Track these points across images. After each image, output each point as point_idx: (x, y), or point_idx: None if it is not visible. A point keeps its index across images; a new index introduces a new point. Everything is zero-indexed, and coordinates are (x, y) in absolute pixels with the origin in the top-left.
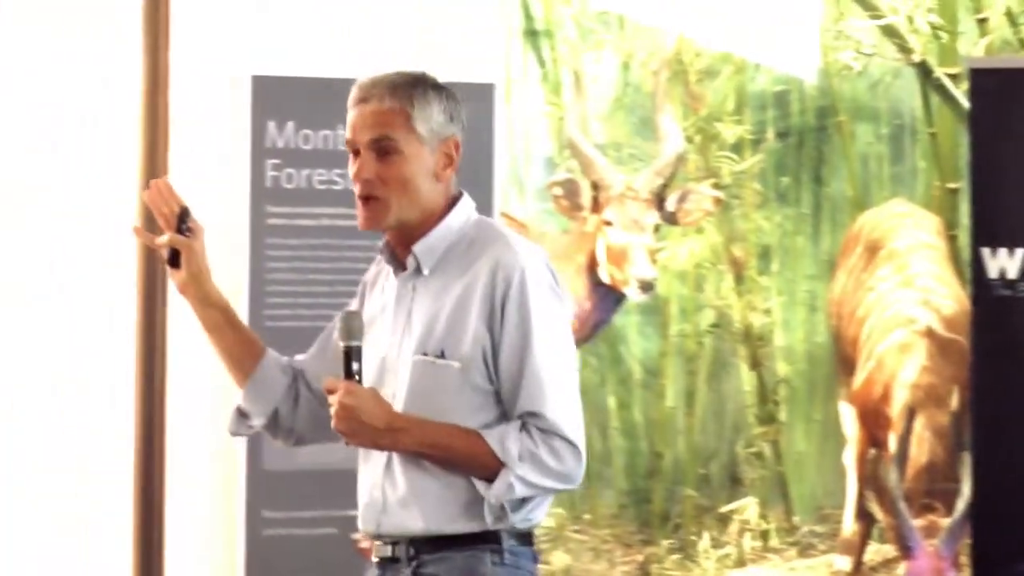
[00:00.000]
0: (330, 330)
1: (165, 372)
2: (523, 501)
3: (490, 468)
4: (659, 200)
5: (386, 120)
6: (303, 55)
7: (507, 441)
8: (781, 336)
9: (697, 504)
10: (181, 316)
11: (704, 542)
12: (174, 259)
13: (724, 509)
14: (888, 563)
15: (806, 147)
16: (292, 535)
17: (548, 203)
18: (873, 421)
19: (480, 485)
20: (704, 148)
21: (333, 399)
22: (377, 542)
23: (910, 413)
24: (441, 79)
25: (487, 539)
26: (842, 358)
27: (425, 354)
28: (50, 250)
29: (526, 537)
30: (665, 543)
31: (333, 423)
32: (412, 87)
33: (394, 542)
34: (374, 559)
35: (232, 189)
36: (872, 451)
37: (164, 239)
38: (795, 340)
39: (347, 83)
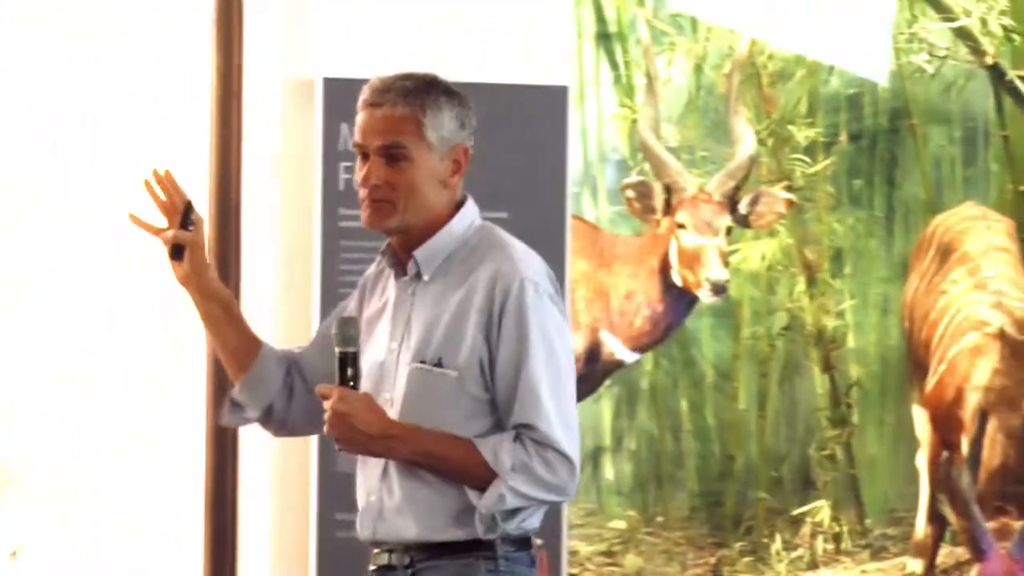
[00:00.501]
0: (329, 324)
1: None
2: (515, 511)
3: (483, 478)
4: (732, 203)
5: (397, 127)
6: (374, 57)
7: (500, 452)
8: (853, 339)
9: (769, 507)
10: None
11: (776, 545)
12: (177, 252)
13: (796, 512)
14: (960, 566)
15: (879, 150)
16: None
17: (621, 206)
18: (945, 424)
19: (472, 494)
20: (777, 151)
21: (327, 405)
22: (375, 549)
23: (982, 416)
24: (513, 82)
25: (481, 547)
26: (914, 361)
27: (423, 362)
28: (114, 253)
29: (522, 542)
30: (737, 546)
31: (326, 429)
32: (425, 93)
33: (390, 549)
34: (371, 567)
35: (304, 192)
36: (944, 454)
37: (169, 233)
38: (867, 343)
39: None
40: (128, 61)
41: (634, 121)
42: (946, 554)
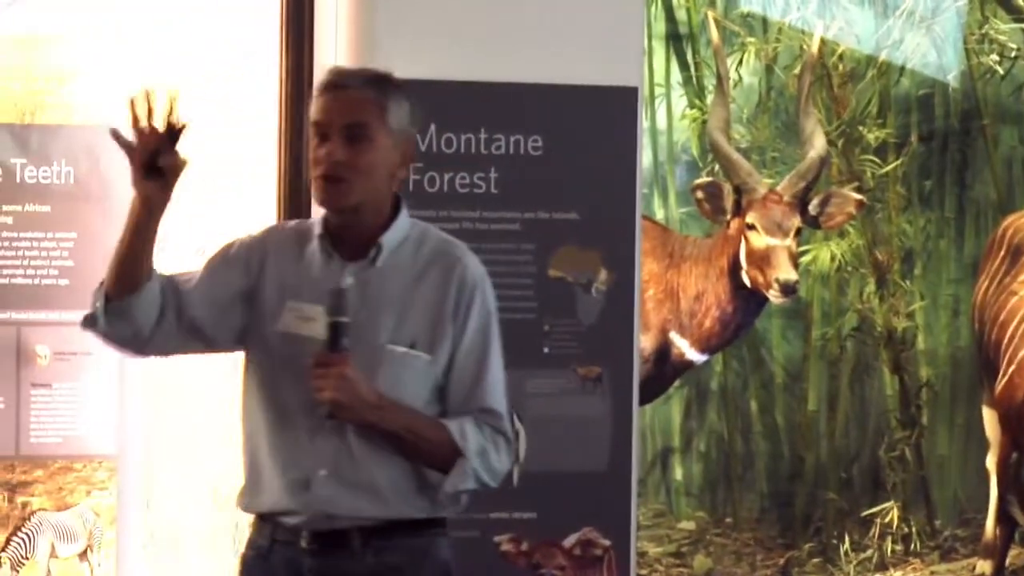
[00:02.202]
0: (220, 273)
1: None
2: (468, 492)
3: (446, 458)
4: (802, 204)
5: (364, 107)
6: (445, 58)
7: (467, 434)
8: (924, 340)
9: (839, 508)
10: None
11: (845, 546)
12: (154, 172)
13: (866, 513)
14: None
15: (949, 150)
16: None
17: (691, 206)
18: (1016, 425)
19: (433, 475)
20: (847, 151)
21: (327, 371)
22: (306, 529)
23: None
24: (583, 83)
25: (435, 525)
26: (985, 362)
27: (395, 343)
28: (194, 254)
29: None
30: (806, 547)
31: (329, 395)
32: (387, 82)
33: (337, 530)
34: (312, 546)
35: None
36: (1014, 455)
37: (170, 158)
38: (938, 344)
39: (490, 86)
40: (196, 62)
41: (704, 122)
42: (1016, 555)
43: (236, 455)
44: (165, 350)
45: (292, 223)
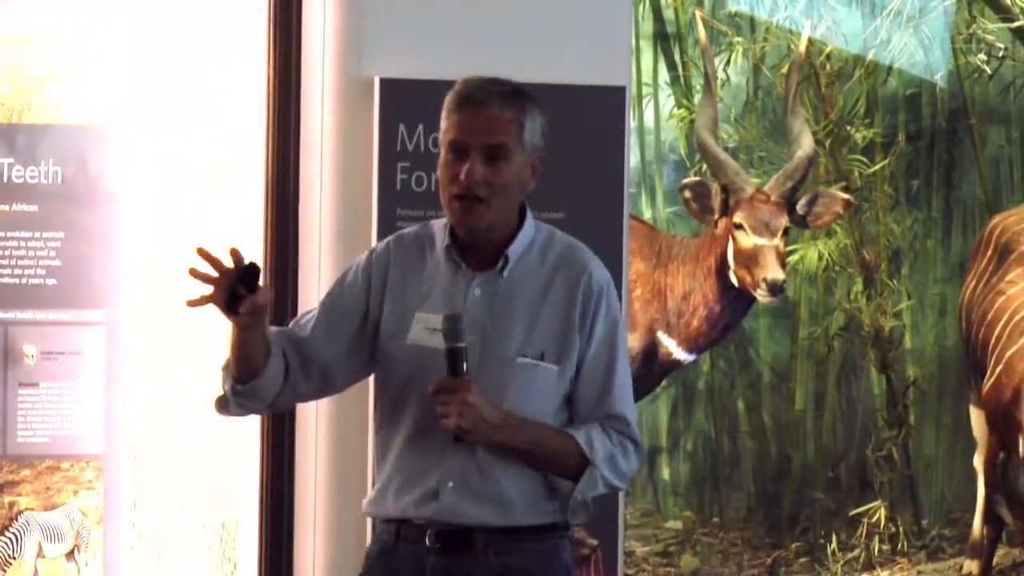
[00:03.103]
0: (338, 308)
1: None
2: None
3: (574, 466)
4: (789, 203)
5: (504, 127)
6: (432, 57)
7: (594, 441)
8: (911, 339)
9: (826, 507)
10: None
11: (832, 545)
12: (235, 305)
13: (853, 512)
14: (1017, 566)
15: (937, 150)
16: None
17: (678, 206)
18: (1002, 424)
19: (561, 483)
20: (835, 151)
21: (450, 398)
22: (430, 528)
23: None
24: (571, 82)
25: (559, 529)
26: (972, 361)
27: (524, 356)
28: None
29: None
30: (794, 546)
31: (454, 421)
32: (525, 99)
33: (461, 528)
34: (436, 544)
35: (361, 192)
36: (1001, 454)
37: (261, 299)
38: (925, 343)
39: None
40: (184, 62)
41: (692, 121)
42: (1003, 554)
43: (223, 454)
44: (299, 400)
45: (411, 231)
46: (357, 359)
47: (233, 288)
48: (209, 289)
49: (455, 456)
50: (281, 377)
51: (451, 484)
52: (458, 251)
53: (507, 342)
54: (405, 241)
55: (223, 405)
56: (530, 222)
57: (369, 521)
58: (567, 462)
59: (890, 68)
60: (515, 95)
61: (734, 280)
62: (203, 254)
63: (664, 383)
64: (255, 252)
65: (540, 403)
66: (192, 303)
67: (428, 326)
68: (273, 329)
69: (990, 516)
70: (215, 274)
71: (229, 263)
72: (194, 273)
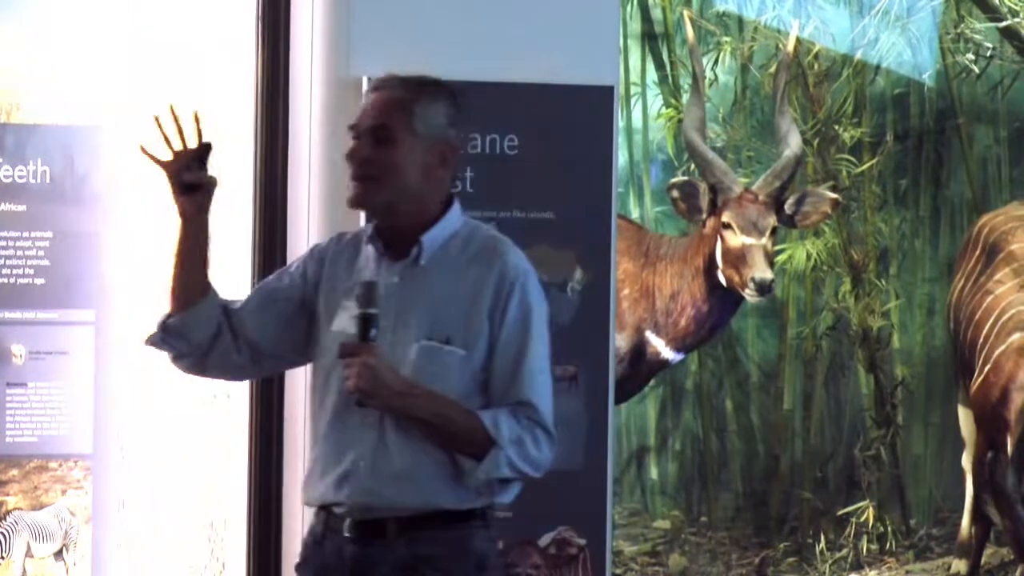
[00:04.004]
0: (269, 287)
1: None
2: (507, 483)
3: (480, 446)
4: (777, 203)
5: (388, 110)
6: (420, 56)
7: (500, 423)
8: (899, 339)
9: (814, 507)
10: None
11: (820, 545)
12: (189, 188)
13: (841, 512)
14: (1005, 566)
15: (925, 150)
16: None
17: (666, 205)
18: (991, 424)
19: (467, 463)
20: (822, 151)
21: (352, 361)
22: (348, 518)
23: None
24: (559, 81)
25: (475, 517)
26: (960, 361)
27: (430, 339)
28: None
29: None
30: (782, 546)
31: (353, 383)
32: (420, 86)
33: (376, 519)
34: (352, 534)
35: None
36: (990, 454)
37: (195, 175)
38: (913, 343)
39: (465, 85)
40: (172, 62)
41: (680, 121)
42: (991, 554)
43: (211, 454)
44: (229, 369)
45: (353, 231)
46: (287, 343)
47: (187, 169)
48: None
49: (366, 435)
50: (213, 327)
51: (362, 463)
52: (382, 242)
53: (415, 325)
54: (345, 238)
55: (151, 339)
56: (455, 215)
57: None
58: (472, 439)
59: (878, 68)
60: (412, 82)
61: (722, 279)
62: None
63: (652, 383)
64: (244, 252)
65: (445, 385)
66: (145, 152)
67: (352, 314)
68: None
69: (978, 515)
70: (173, 137)
71: (189, 138)
72: (144, 152)
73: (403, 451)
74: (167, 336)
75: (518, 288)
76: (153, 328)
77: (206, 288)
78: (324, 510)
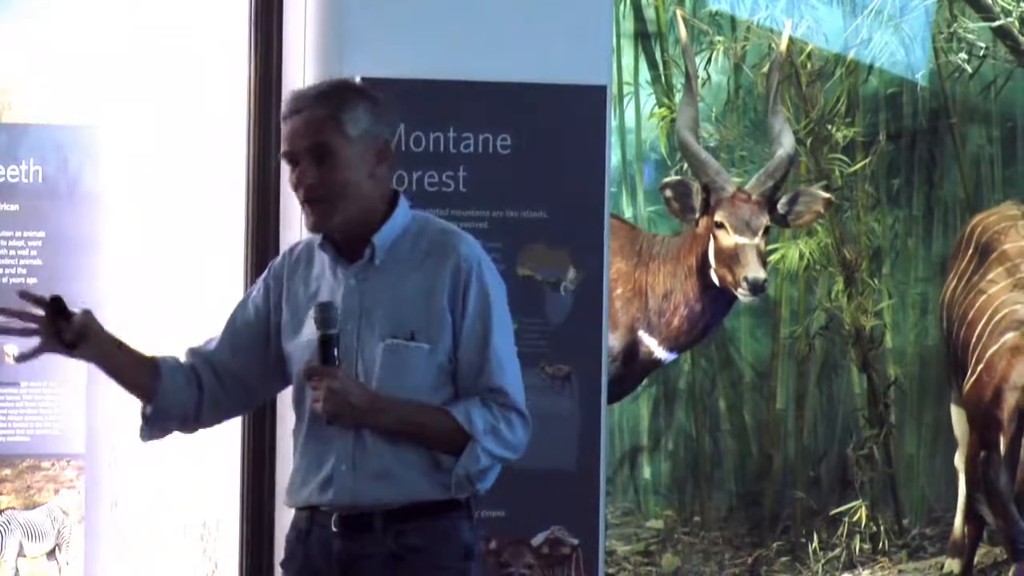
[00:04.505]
0: (239, 320)
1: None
2: (484, 471)
3: (455, 442)
4: (770, 202)
5: (319, 127)
6: (412, 57)
7: (472, 416)
8: (892, 338)
9: (807, 506)
10: None
11: (813, 544)
12: (74, 343)
13: (834, 511)
14: (998, 565)
15: (918, 149)
16: None
17: (659, 205)
18: (983, 423)
19: (444, 458)
20: (815, 150)
21: (318, 384)
22: (335, 514)
23: (1021, 415)
24: (552, 81)
25: (459, 506)
26: (953, 361)
27: (395, 337)
28: (163, 253)
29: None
30: (775, 545)
31: (320, 406)
32: (338, 94)
33: (363, 513)
34: (340, 529)
35: None
36: (982, 453)
37: (71, 331)
38: (906, 342)
39: (458, 85)
40: (166, 62)
41: (673, 120)
42: (984, 553)
43: (204, 454)
44: (226, 413)
45: (303, 242)
46: (270, 368)
47: (57, 327)
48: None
49: (345, 440)
50: (186, 393)
51: (344, 467)
52: (333, 247)
53: (378, 325)
54: (296, 249)
55: (143, 434)
56: (402, 211)
57: None
58: (447, 438)
59: (871, 67)
60: (329, 92)
61: (715, 279)
62: (3, 311)
63: (645, 382)
64: (236, 253)
65: (413, 381)
66: (20, 359)
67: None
68: (190, 351)
69: (971, 515)
70: (26, 325)
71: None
72: (21, 358)
73: (382, 449)
74: (154, 423)
75: (475, 278)
76: (139, 424)
77: (156, 375)
78: (309, 508)
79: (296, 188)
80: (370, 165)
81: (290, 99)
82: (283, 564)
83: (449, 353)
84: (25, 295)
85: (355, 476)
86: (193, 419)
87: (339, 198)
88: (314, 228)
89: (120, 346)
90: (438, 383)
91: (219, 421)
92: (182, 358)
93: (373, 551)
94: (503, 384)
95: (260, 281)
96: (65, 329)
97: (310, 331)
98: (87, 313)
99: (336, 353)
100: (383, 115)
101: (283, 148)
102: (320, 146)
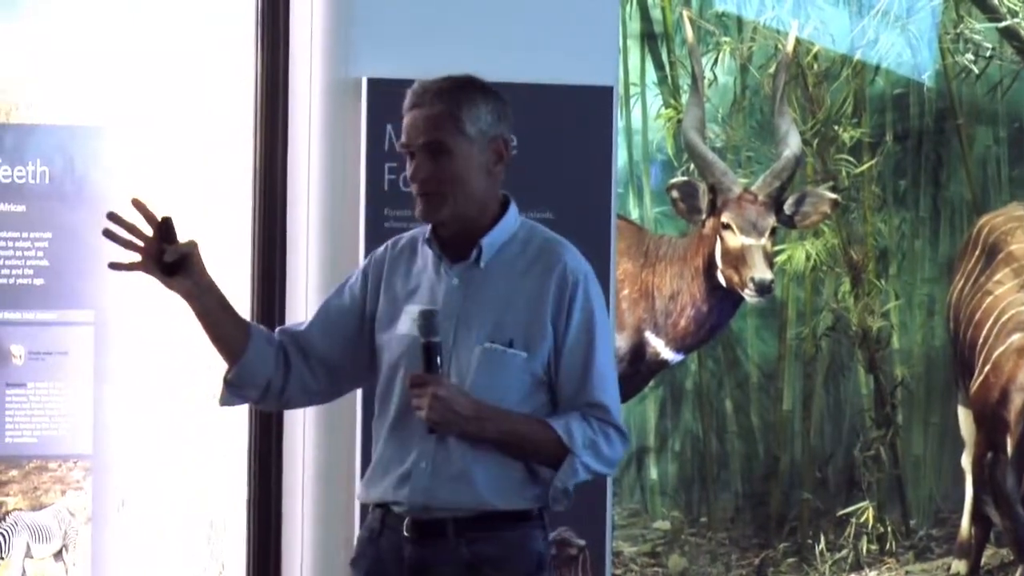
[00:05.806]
0: (333, 305)
1: None
2: (578, 484)
3: (554, 455)
4: (777, 203)
5: (436, 124)
6: (419, 58)
7: (573, 430)
8: (898, 339)
9: (814, 507)
10: (297, 319)
11: (820, 545)
12: (172, 269)
13: (841, 512)
14: (1005, 567)
15: (924, 150)
16: None
17: (666, 206)
18: (990, 424)
19: (544, 470)
20: (822, 151)
21: (422, 391)
22: (407, 517)
23: None
24: (558, 82)
25: (533, 517)
26: (959, 361)
27: (493, 342)
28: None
29: None
30: (782, 546)
31: (425, 414)
32: (460, 91)
33: (436, 518)
34: (412, 534)
35: (349, 192)
36: (989, 454)
37: (173, 252)
38: (913, 343)
39: None
40: (172, 63)
41: (679, 121)
42: (991, 555)
43: (210, 454)
44: (309, 396)
45: (407, 235)
46: (360, 357)
47: (161, 252)
48: (135, 256)
49: (430, 439)
50: (272, 363)
51: (423, 465)
52: (440, 244)
53: (478, 329)
54: (400, 242)
55: (223, 399)
56: (512, 216)
57: (357, 518)
58: (546, 451)
59: (877, 68)
60: (449, 90)
61: (722, 280)
62: (114, 218)
63: (652, 383)
64: (243, 252)
65: (506, 388)
66: (115, 266)
67: (415, 318)
68: (280, 330)
69: (978, 516)
70: (131, 238)
71: (144, 224)
72: (108, 235)
73: (463, 453)
74: (234, 390)
75: (580, 290)
76: (219, 388)
77: (245, 334)
78: (382, 508)
79: (411, 182)
80: (487, 163)
81: (411, 92)
82: (353, 563)
83: (544, 363)
84: (138, 204)
85: (433, 476)
86: (277, 395)
87: (452, 193)
88: (423, 216)
89: (217, 292)
90: (529, 392)
91: (305, 404)
92: (272, 334)
93: (446, 559)
94: (604, 400)
95: (359, 271)
96: (168, 253)
97: (406, 326)
98: (193, 244)
99: (439, 361)
100: (504, 114)
101: (401, 140)
102: (435, 143)
